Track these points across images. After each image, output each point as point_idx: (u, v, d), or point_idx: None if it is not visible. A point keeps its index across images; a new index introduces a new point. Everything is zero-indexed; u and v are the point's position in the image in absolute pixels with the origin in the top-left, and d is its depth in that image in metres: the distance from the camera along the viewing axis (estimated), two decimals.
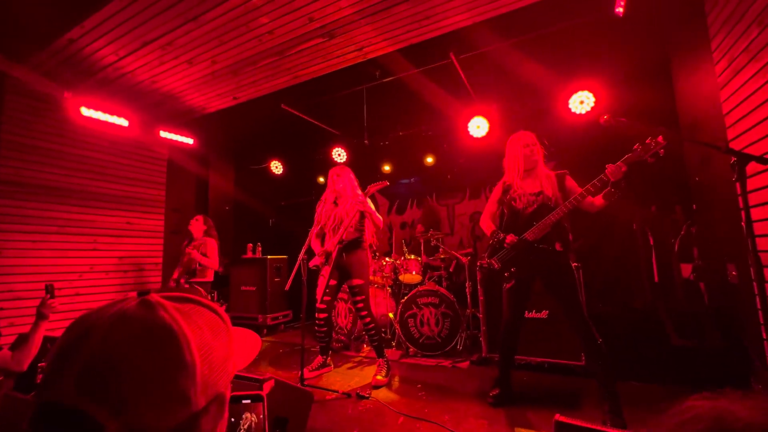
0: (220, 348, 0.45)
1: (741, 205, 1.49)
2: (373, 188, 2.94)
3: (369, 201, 3.05)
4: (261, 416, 0.95)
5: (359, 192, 3.09)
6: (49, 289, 1.98)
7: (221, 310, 0.50)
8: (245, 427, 0.95)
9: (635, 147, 2.02)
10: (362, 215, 3.09)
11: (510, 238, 2.33)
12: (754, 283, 2.18)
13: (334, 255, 2.96)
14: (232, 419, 0.93)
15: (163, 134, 4.51)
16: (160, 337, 0.40)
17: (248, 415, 0.95)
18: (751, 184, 2.14)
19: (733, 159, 1.49)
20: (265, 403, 0.96)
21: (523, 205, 2.37)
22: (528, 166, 2.43)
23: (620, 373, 2.16)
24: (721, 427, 0.36)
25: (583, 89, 3.60)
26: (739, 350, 2.46)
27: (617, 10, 2.71)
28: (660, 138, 1.93)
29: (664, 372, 2.71)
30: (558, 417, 1.14)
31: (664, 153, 1.94)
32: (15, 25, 3.07)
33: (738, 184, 1.50)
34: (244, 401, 0.94)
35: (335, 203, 3.16)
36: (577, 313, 2.22)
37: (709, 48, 2.54)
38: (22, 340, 1.94)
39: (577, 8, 3.25)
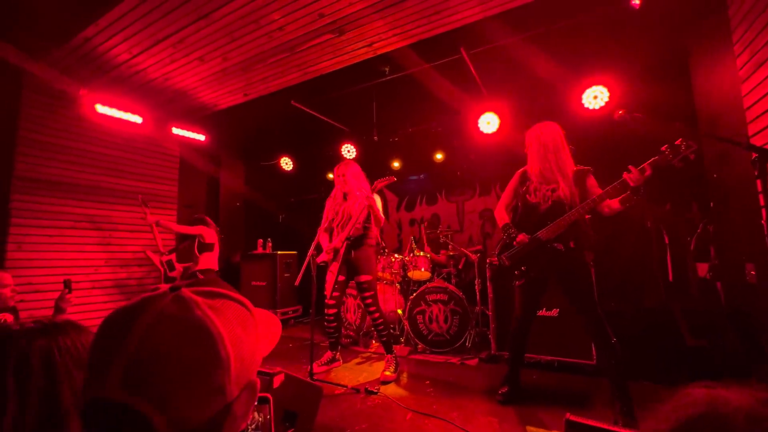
0: (250, 341, 0.48)
1: (762, 202, 1.45)
2: (380, 184, 2.93)
3: (378, 198, 3.04)
4: (267, 416, 0.96)
5: (367, 187, 3.08)
6: (67, 284, 2.03)
7: (247, 301, 0.52)
8: (252, 427, 0.96)
9: (663, 149, 1.90)
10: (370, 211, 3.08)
11: (521, 237, 2.28)
12: None
13: (342, 251, 2.97)
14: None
15: (176, 131, 4.58)
16: (197, 335, 0.42)
17: (254, 415, 0.96)
18: None
19: (755, 155, 1.45)
20: (272, 404, 0.97)
21: (538, 200, 2.31)
22: (540, 157, 2.34)
23: (633, 373, 2.12)
24: (713, 410, 0.38)
25: (596, 84, 3.53)
26: (758, 351, 2.40)
27: (634, 2, 2.64)
28: (691, 141, 1.81)
29: (678, 373, 2.66)
30: (569, 416, 1.13)
31: (694, 157, 1.84)
32: (33, 22, 3.14)
33: (759, 181, 1.45)
34: None
35: (344, 198, 3.16)
36: (591, 313, 2.17)
37: (729, 41, 2.46)
38: None
39: (591, 1, 3.18)
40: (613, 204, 2.12)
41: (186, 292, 0.45)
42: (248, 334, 0.48)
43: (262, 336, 0.53)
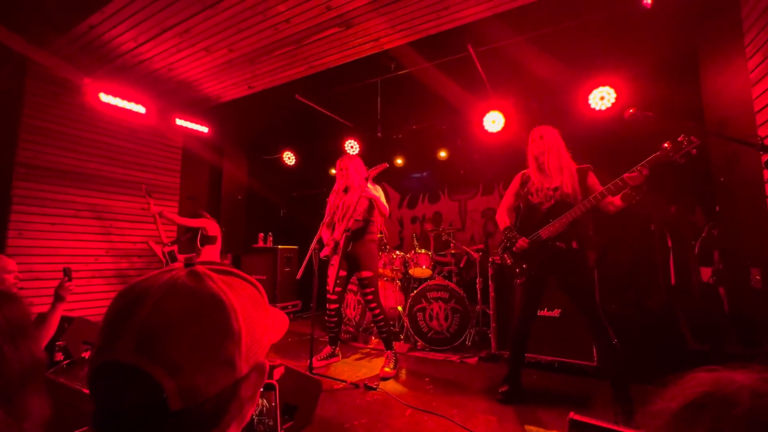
0: (260, 320, 0.48)
1: None
2: (373, 172, 2.89)
3: (378, 188, 3.01)
4: (273, 403, 0.96)
5: (362, 176, 3.04)
6: (67, 272, 2.02)
7: (259, 285, 0.52)
8: (257, 411, 0.96)
9: (664, 145, 1.87)
10: (371, 204, 3.05)
11: (521, 242, 2.29)
12: None
13: (341, 244, 2.94)
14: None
15: (179, 122, 4.56)
16: (210, 305, 0.43)
17: (260, 400, 0.96)
18: None
19: (766, 157, 1.43)
20: (277, 391, 0.97)
21: (540, 200, 2.31)
22: (540, 159, 2.35)
23: (634, 375, 2.11)
24: (719, 389, 0.39)
25: (603, 85, 3.51)
26: (762, 357, 2.39)
27: (645, 1, 2.61)
28: (693, 137, 1.78)
29: (680, 376, 2.64)
30: (573, 415, 1.12)
31: (696, 153, 1.80)
32: (37, 10, 3.11)
33: (767, 185, 1.43)
34: None
35: (345, 192, 3.14)
36: (593, 313, 2.17)
37: (741, 43, 2.43)
38: (39, 321, 1.98)
39: (600, 1, 3.15)
40: (616, 201, 2.11)
41: (201, 267, 0.46)
42: (259, 314, 0.48)
43: (271, 324, 0.52)
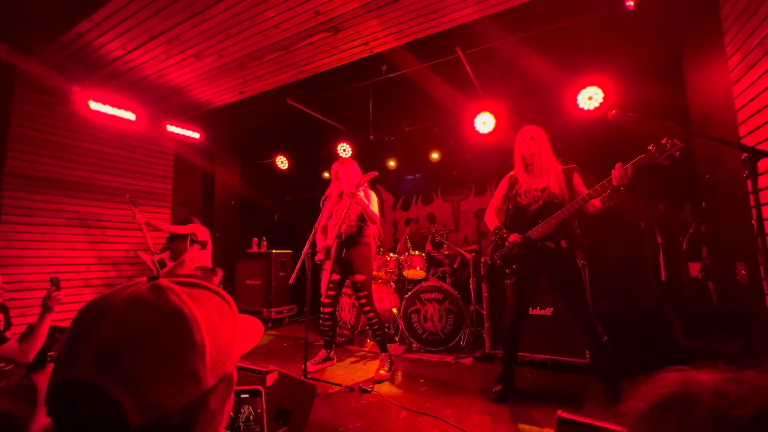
0: (227, 330, 0.48)
1: (752, 202, 1.46)
2: (363, 179, 2.91)
3: (374, 195, 3.03)
4: (259, 410, 0.96)
5: (353, 183, 3.04)
6: (54, 282, 1.99)
7: (227, 295, 0.52)
8: (243, 419, 0.96)
9: (649, 147, 1.91)
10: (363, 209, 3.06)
11: (513, 237, 2.30)
12: (765, 282, 2.15)
13: (333, 249, 2.95)
14: (230, 413, 0.94)
15: (170, 128, 4.54)
16: (171, 319, 0.42)
17: (246, 408, 0.96)
18: (762, 181, 2.10)
19: (744, 155, 1.46)
20: (263, 397, 0.97)
21: (528, 201, 2.34)
22: (528, 160, 2.39)
23: (625, 371, 2.14)
24: (685, 388, 0.41)
25: (591, 85, 3.55)
26: (748, 350, 2.43)
27: (628, 3, 2.66)
28: (676, 139, 1.83)
29: (650, 375, 2.67)
30: (560, 413, 1.14)
31: (679, 155, 1.85)
32: (25, 18, 3.10)
33: (749, 181, 1.47)
34: (242, 395, 0.95)
35: (339, 197, 3.15)
36: (582, 312, 2.20)
37: (722, 42, 2.48)
38: (29, 332, 1.97)
39: (587, 3, 3.20)
40: (596, 202, 2.14)
41: (163, 280, 0.46)
42: (226, 324, 0.48)
43: (242, 332, 0.52)
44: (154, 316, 0.42)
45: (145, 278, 0.47)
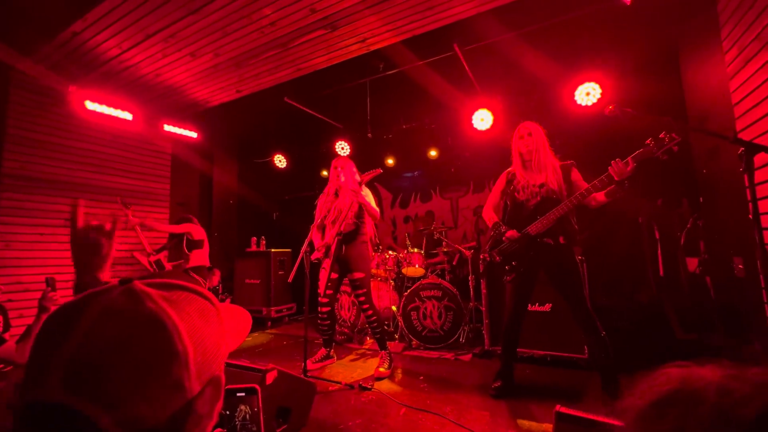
0: (212, 332, 0.45)
1: (749, 197, 1.47)
2: (366, 177, 2.91)
3: (369, 192, 3.03)
4: (255, 408, 0.95)
5: (356, 182, 3.05)
6: (50, 282, 1.97)
7: (209, 293, 0.48)
8: (240, 418, 0.96)
9: (647, 142, 1.92)
10: (361, 207, 3.06)
11: (510, 233, 2.30)
12: (761, 277, 2.16)
13: (333, 247, 2.95)
14: (227, 412, 0.93)
15: (167, 128, 4.53)
16: (148, 328, 0.39)
17: (243, 407, 0.95)
18: (759, 176, 2.10)
19: (741, 149, 1.46)
20: (260, 395, 0.96)
21: (526, 196, 2.34)
22: (526, 156, 2.39)
23: (624, 366, 2.15)
24: (687, 385, 0.39)
25: (589, 81, 3.54)
26: (745, 344, 2.44)
27: None
28: (674, 134, 1.83)
29: (651, 371, 2.68)
30: (559, 408, 1.14)
31: (677, 149, 1.86)
32: (21, 17, 3.08)
33: (746, 176, 1.47)
34: (238, 394, 0.94)
35: (336, 195, 3.14)
36: (581, 307, 2.21)
37: (718, 37, 2.48)
38: (27, 333, 1.96)
39: None
40: (599, 197, 2.14)
41: (137, 284, 0.42)
42: (210, 327, 0.45)
43: (229, 330, 0.50)
44: (128, 327, 0.38)
45: (116, 281, 0.43)
